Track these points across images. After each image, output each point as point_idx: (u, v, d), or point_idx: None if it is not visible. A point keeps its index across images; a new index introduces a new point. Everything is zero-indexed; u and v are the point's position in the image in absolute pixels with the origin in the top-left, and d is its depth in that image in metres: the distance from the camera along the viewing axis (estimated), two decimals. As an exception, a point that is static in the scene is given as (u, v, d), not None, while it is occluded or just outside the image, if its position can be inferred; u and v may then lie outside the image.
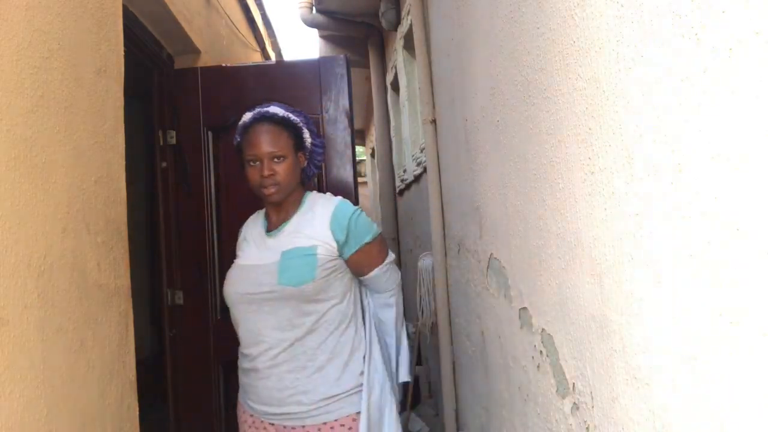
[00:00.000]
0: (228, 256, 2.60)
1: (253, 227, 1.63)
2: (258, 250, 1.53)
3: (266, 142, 1.47)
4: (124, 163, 1.61)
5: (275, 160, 1.47)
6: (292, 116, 1.53)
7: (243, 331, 1.52)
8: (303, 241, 1.46)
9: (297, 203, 1.55)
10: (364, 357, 1.50)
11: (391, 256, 1.63)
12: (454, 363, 2.35)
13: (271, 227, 1.56)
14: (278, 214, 1.55)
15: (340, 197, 1.56)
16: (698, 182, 0.68)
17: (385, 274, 1.57)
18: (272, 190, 1.47)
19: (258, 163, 1.47)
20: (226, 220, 2.64)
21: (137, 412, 1.59)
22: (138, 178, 3.64)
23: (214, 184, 2.65)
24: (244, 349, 1.53)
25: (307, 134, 1.56)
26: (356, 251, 1.49)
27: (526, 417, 1.41)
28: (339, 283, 1.49)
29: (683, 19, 0.69)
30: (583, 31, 0.95)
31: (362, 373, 1.48)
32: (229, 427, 2.60)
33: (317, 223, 1.48)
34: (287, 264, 1.44)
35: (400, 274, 1.67)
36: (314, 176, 1.68)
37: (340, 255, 1.48)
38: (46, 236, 1.18)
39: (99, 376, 1.37)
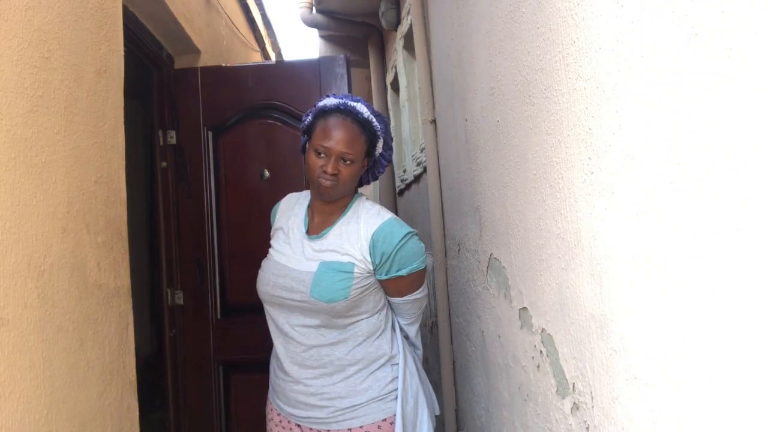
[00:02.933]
0: (228, 256, 2.63)
1: (291, 218, 1.54)
2: (294, 250, 1.47)
3: (343, 141, 1.37)
4: (124, 163, 1.60)
5: (344, 160, 1.39)
6: (375, 121, 1.43)
7: (273, 329, 1.51)
8: (342, 255, 1.41)
9: (343, 208, 1.48)
10: (393, 366, 1.47)
11: (422, 291, 1.53)
12: (454, 363, 2.35)
13: (312, 230, 1.48)
14: (321, 215, 1.48)
15: (391, 216, 1.44)
16: (698, 181, 0.68)
17: (405, 305, 1.52)
18: (328, 184, 1.39)
19: (326, 156, 1.38)
20: (226, 220, 2.64)
21: (137, 412, 1.59)
22: (138, 178, 3.64)
23: (214, 184, 2.65)
24: (275, 347, 1.51)
25: (380, 144, 1.48)
26: (386, 279, 1.44)
27: (526, 417, 1.41)
28: (372, 298, 1.45)
29: (683, 19, 0.69)
30: (583, 31, 0.95)
31: (392, 381, 1.45)
32: (229, 427, 2.60)
33: (358, 239, 1.41)
34: (322, 277, 1.38)
35: (423, 305, 1.58)
36: (367, 184, 1.58)
37: (374, 272, 1.43)
38: (46, 236, 1.18)
39: (99, 376, 1.37)
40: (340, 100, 1.42)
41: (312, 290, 1.38)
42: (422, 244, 1.48)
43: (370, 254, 1.40)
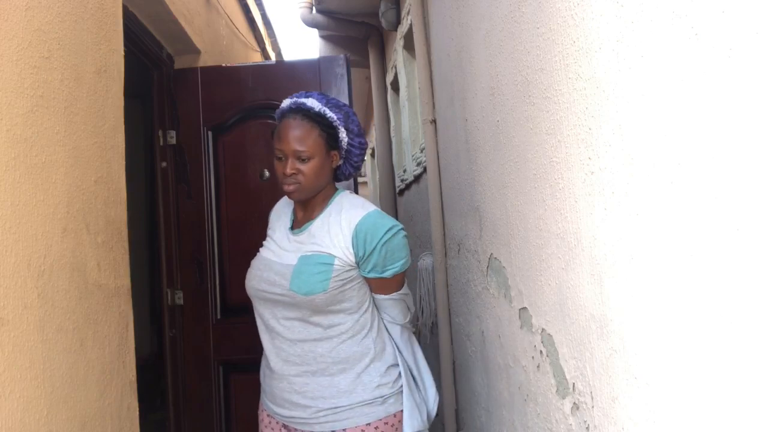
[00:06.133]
0: (228, 256, 2.62)
1: (281, 216, 1.57)
2: (279, 245, 1.48)
3: (294, 139, 1.38)
4: (124, 163, 1.61)
5: (300, 159, 1.39)
6: (328, 113, 1.42)
7: (260, 325, 1.51)
8: (322, 247, 1.40)
9: (324, 203, 1.47)
10: (388, 367, 1.45)
11: (405, 289, 1.51)
12: (454, 363, 2.35)
13: (296, 224, 1.50)
14: (304, 211, 1.50)
15: (374, 209, 1.43)
16: (698, 181, 0.68)
17: (394, 303, 1.49)
18: (292, 188, 1.40)
19: (283, 158, 1.41)
20: (226, 220, 2.64)
21: (137, 412, 1.59)
22: (138, 178, 3.63)
23: (214, 184, 2.65)
24: (263, 344, 1.51)
25: (343, 133, 1.44)
26: (371, 277, 1.43)
27: (526, 417, 1.41)
28: (355, 294, 1.42)
29: (683, 19, 0.69)
30: (583, 31, 0.95)
31: (377, 387, 1.42)
32: (229, 427, 2.60)
33: (340, 230, 1.41)
34: (301, 270, 1.38)
35: (409, 313, 1.54)
36: (351, 176, 1.57)
37: (358, 266, 1.41)
38: (46, 236, 1.18)
39: (99, 376, 1.37)
40: (292, 100, 1.43)
41: (291, 283, 1.38)
42: (406, 240, 1.45)
43: (353, 245, 1.38)
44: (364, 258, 1.39)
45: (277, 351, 1.46)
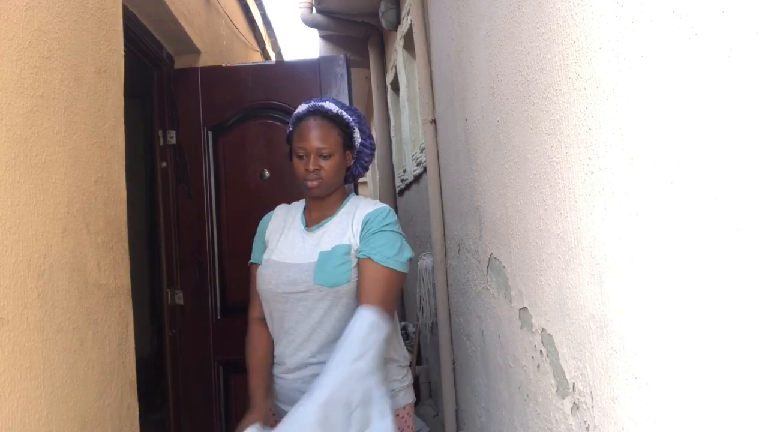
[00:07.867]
0: (228, 256, 2.62)
1: (288, 221, 1.59)
2: (293, 246, 1.52)
3: (316, 138, 1.48)
4: (124, 163, 1.61)
5: (322, 156, 1.48)
6: (345, 114, 1.53)
7: (277, 329, 1.51)
8: (339, 239, 1.46)
9: (338, 203, 1.54)
10: (399, 366, 1.48)
11: (381, 321, 1.31)
12: (454, 363, 2.35)
13: (310, 224, 1.55)
14: (319, 211, 1.55)
15: (386, 205, 1.51)
16: (698, 181, 0.68)
17: (355, 318, 1.31)
18: (315, 183, 1.48)
19: (305, 156, 1.49)
20: (226, 220, 2.64)
21: (137, 412, 1.59)
22: (138, 178, 3.63)
23: (214, 184, 2.65)
24: (276, 347, 1.52)
25: (357, 134, 1.55)
26: (360, 258, 1.40)
27: (526, 417, 1.41)
28: None
29: (683, 19, 0.69)
30: (583, 31, 0.95)
31: (390, 381, 1.43)
32: (229, 427, 2.60)
33: (354, 221, 1.48)
34: (324, 264, 1.43)
35: (373, 346, 1.27)
36: (360, 177, 1.66)
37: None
38: (46, 236, 1.18)
39: (99, 376, 1.37)
40: (310, 104, 1.53)
41: (315, 277, 1.42)
42: (405, 242, 1.45)
43: (361, 230, 1.45)
44: (362, 238, 1.43)
45: (294, 350, 1.46)
